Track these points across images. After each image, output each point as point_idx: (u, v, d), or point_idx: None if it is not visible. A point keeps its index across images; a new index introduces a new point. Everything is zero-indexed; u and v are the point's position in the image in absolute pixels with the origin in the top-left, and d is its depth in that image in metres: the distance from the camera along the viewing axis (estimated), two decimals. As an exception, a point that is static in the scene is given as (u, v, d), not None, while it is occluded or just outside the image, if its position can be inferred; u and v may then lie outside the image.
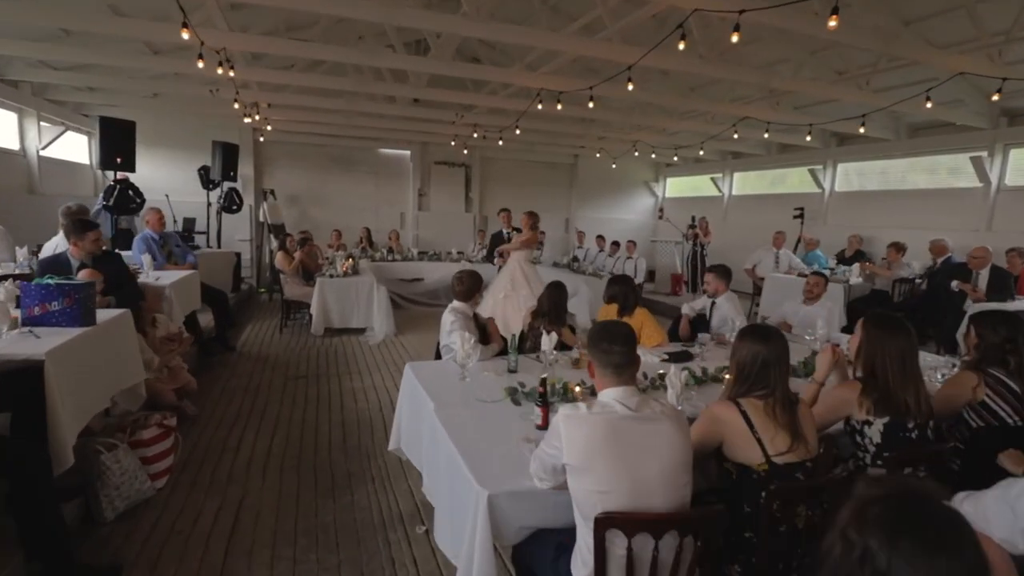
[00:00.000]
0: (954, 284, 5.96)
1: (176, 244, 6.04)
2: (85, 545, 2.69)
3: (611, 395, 1.75)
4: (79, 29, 5.88)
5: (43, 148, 7.87)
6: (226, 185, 9.44)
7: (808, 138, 7.20)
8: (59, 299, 2.87)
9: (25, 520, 2.23)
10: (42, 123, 7.89)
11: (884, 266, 6.97)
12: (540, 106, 6.25)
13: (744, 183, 12.00)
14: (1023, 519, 1.45)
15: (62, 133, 8.22)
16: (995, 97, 5.48)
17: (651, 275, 10.89)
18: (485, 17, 4.75)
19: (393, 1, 4.63)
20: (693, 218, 9.83)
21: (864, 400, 2.19)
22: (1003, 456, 2.13)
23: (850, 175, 9.75)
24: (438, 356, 3.81)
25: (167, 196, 8.41)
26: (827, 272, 7.58)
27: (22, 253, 4.94)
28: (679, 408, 2.22)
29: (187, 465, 3.57)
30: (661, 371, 3.07)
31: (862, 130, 6.57)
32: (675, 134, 10.23)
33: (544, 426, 2.33)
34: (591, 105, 5.60)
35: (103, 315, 3.34)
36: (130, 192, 6.69)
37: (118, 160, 6.34)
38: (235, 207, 9.55)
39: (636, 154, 10.51)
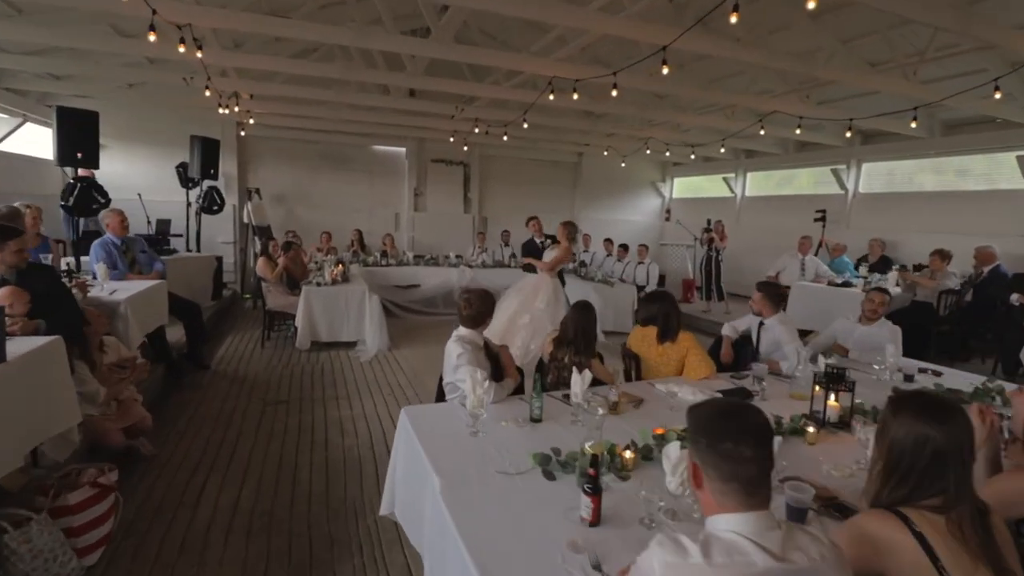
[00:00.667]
0: (1014, 298, 5.36)
1: (141, 250, 5.34)
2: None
3: (736, 526, 1.09)
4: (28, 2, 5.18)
5: (-1, 141, 7.16)
6: (206, 184, 8.73)
7: (848, 134, 6.57)
8: (-54, 333, 2.19)
9: None
10: (-1, 114, 7.18)
11: (926, 275, 6.35)
12: (552, 96, 5.59)
13: (758, 183, 11.38)
14: None
15: (20, 125, 7.49)
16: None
17: (661, 280, 10.25)
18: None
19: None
20: (709, 221, 9.20)
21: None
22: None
23: (873, 175, 9.14)
24: (440, 394, 3.14)
25: (139, 195, 7.69)
26: (861, 281, 7.01)
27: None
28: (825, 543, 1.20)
29: (131, 529, 2.88)
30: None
31: (914, 125, 5.95)
32: (688, 131, 9.60)
33: (595, 522, 1.68)
34: (614, 93, 4.95)
35: (22, 345, 2.67)
36: (93, 191, 5.97)
37: (79, 155, 5.62)
38: (216, 207, 8.84)
39: (648, 152, 9.87)
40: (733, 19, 3.15)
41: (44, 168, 8.25)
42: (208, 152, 8.40)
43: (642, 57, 4.67)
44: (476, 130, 8.09)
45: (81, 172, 6.29)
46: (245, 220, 9.72)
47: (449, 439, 2.35)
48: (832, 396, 2.71)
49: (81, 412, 2.97)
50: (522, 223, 12.06)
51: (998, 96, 4.82)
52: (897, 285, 6.83)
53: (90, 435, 3.25)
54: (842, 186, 9.22)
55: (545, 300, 5.95)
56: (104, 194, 6.07)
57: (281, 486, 3.42)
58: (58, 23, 5.91)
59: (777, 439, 2.08)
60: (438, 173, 11.63)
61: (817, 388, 2.77)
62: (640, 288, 7.93)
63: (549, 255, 6.15)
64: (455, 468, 2.06)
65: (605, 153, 10.84)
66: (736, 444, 1.11)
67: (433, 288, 8.99)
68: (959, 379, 3.66)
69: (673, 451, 1.80)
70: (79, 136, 5.61)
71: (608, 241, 9.98)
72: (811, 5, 3.13)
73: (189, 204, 8.84)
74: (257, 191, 9.86)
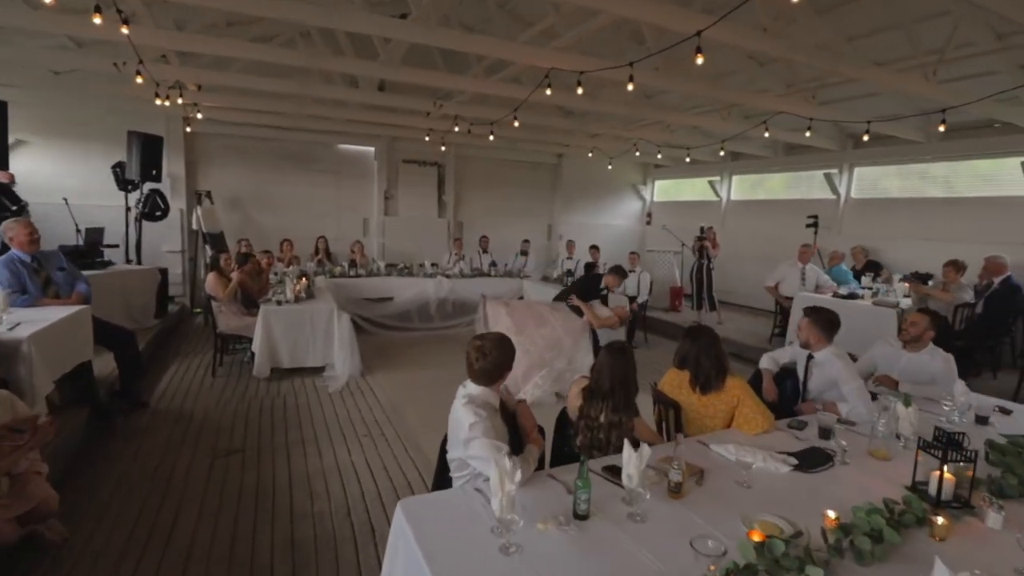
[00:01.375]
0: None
1: (59, 267, 4.42)
2: None
3: None
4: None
5: None
6: (148, 186, 7.74)
7: (865, 137, 6.15)
8: None
9: None
10: None
11: (938, 287, 5.99)
12: (549, 92, 4.94)
13: (744, 187, 11.02)
14: None
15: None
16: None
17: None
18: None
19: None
20: (702, 229, 8.73)
21: None
22: None
23: (866, 180, 8.85)
24: (441, 467, 2.44)
25: (65, 200, 6.66)
26: (864, 292, 6.63)
27: None
28: None
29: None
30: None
31: (942, 128, 5.56)
32: (676, 131, 9.11)
33: None
34: (630, 88, 4.34)
35: None
36: (1, 197, 5.01)
37: (-19, 153, 4.68)
38: (159, 213, 7.86)
39: (638, 154, 9.33)
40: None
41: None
42: (149, 150, 7.44)
43: (665, 47, 4.06)
44: (456, 128, 7.36)
45: (-12, 174, 5.30)
46: (194, 226, 8.73)
47: (469, 559, 1.67)
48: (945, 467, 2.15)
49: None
50: (500, 226, 11.43)
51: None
52: (907, 296, 6.47)
53: (-32, 531, 2.42)
54: (834, 191, 8.90)
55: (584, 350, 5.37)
56: (16, 199, 5.12)
57: (233, 583, 2.66)
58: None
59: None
60: (410, 174, 10.83)
61: (922, 455, 2.22)
62: (632, 299, 7.36)
63: (604, 311, 5.55)
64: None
65: (590, 155, 10.26)
66: None
67: (408, 301, 8.25)
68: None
69: None
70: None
71: (595, 248, 9.41)
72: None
73: (128, 209, 7.83)
74: (208, 194, 8.88)
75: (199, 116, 7.55)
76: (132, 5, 4.21)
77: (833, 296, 6.69)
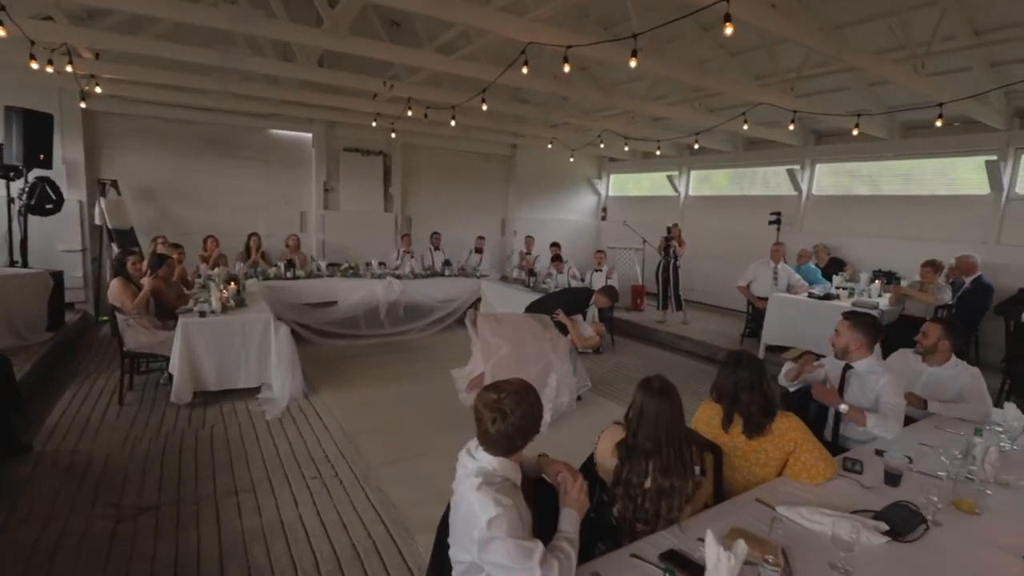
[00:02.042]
0: (1029, 315, 4.92)
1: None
2: None
3: None
4: None
5: None
6: (35, 173, 6.48)
7: (856, 131, 5.89)
8: None
9: None
10: None
11: (916, 287, 5.87)
12: (526, 70, 4.30)
13: (702, 182, 10.82)
14: None
15: None
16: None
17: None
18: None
19: None
20: (668, 229, 8.38)
21: None
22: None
23: (827, 177, 8.80)
24: (438, 567, 1.77)
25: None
26: (838, 292, 6.46)
27: None
28: None
29: None
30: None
31: (939, 123, 5.35)
32: (639, 122, 8.70)
33: None
34: (632, 64, 3.75)
35: None
36: None
37: None
38: (50, 205, 6.60)
39: (602, 146, 8.85)
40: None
41: None
42: (35, 130, 6.22)
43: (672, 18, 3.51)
44: (410, 112, 6.55)
45: None
46: (98, 221, 7.47)
47: None
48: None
49: None
50: (451, 222, 10.72)
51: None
52: (881, 295, 6.36)
53: None
54: (796, 187, 8.79)
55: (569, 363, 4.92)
56: None
57: None
58: None
59: None
60: (353, 165, 9.87)
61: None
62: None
63: (587, 330, 5.09)
64: None
65: (549, 146, 9.68)
66: None
67: (354, 305, 7.42)
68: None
69: None
70: None
71: (556, 245, 8.87)
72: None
73: (11, 201, 6.55)
74: (114, 184, 7.64)
75: (98, 90, 6.34)
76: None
77: (809, 296, 6.49)
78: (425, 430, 4.54)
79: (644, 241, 9.61)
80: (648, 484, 1.89)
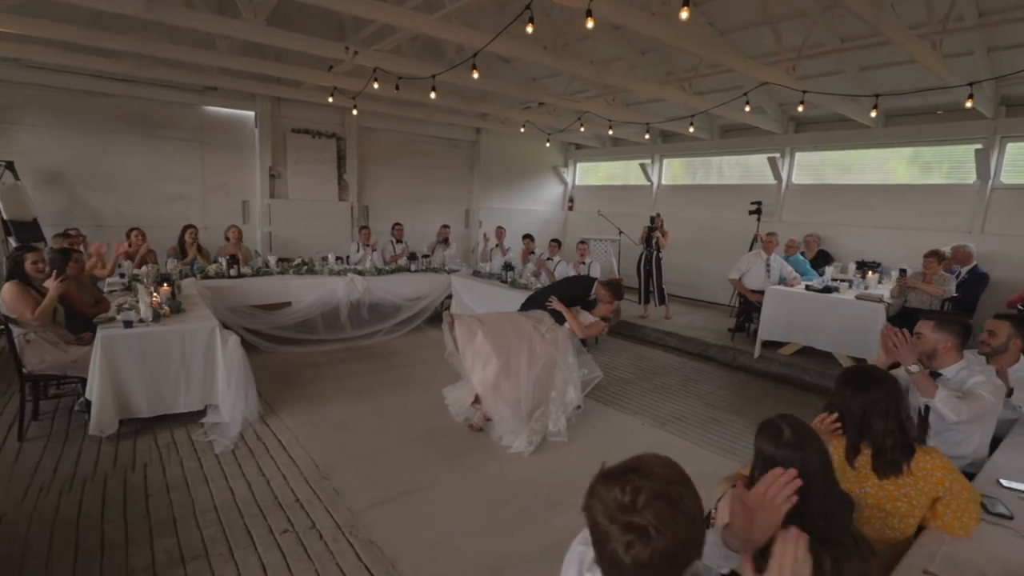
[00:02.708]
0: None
1: None
2: None
3: None
4: None
5: None
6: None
7: (871, 119, 5.62)
8: None
9: None
10: None
11: (918, 279, 5.65)
12: (530, 29, 3.61)
13: (676, 171, 10.46)
14: None
15: None
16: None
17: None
18: None
19: None
20: (651, 220, 7.92)
21: None
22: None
23: (807, 166, 8.61)
24: None
25: None
26: (836, 284, 6.19)
27: None
28: None
29: None
30: None
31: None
32: (629, 105, 8.17)
33: None
34: (683, 16, 3.11)
35: None
36: None
37: None
38: (-78, 190, 5.34)
39: (582, 129, 8.25)
40: None
41: None
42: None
43: None
44: (376, 85, 5.67)
45: None
46: (-10, 211, 6.19)
47: None
48: None
49: None
50: (412, 212, 9.89)
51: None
52: (879, 283, 6.13)
53: None
54: (776, 176, 8.55)
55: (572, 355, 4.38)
56: None
57: None
58: None
59: None
60: (302, 148, 8.84)
61: None
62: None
63: (587, 317, 4.47)
64: None
65: (522, 129, 8.98)
66: None
67: (311, 306, 6.53)
68: None
69: None
70: None
71: (528, 238, 8.23)
72: None
73: None
74: (9, 166, 6.36)
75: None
76: None
77: (807, 289, 6.17)
78: (416, 456, 3.83)
79: (620, 232, 9.15)
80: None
